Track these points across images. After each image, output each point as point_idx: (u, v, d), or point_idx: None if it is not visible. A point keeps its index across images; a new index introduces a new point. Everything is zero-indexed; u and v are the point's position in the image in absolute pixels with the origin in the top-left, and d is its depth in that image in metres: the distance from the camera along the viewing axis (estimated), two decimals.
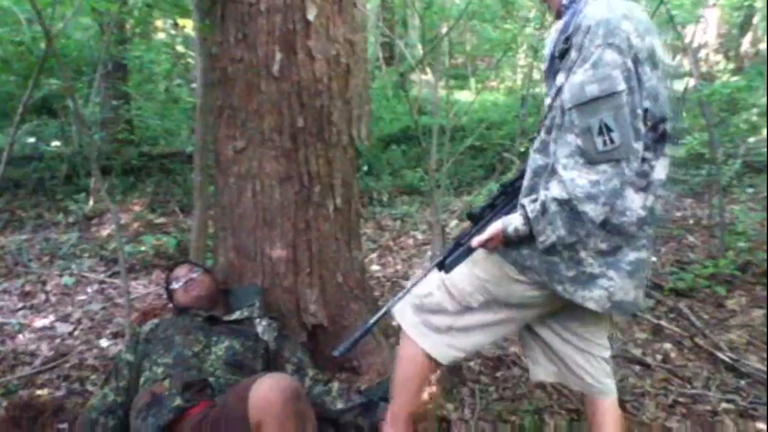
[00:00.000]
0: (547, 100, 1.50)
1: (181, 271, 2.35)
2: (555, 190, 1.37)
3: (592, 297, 1.47)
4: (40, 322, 3.33)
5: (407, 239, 4.90)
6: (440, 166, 4.21)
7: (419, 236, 4.95)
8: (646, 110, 1.37)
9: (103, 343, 3.05)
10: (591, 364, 1.69)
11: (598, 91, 1.32)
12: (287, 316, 2.46)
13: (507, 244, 1.51)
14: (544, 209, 1.40)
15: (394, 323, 1.77)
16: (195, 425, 1.69)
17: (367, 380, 2.36)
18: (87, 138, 5.25)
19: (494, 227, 1.50)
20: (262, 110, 2.41)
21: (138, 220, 5.17)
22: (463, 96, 9.81)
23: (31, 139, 6.27)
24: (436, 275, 1.66)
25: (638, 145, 1.35)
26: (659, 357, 2.77)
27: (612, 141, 1.32)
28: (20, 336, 3.16)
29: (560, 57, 1.44)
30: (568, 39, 1.40)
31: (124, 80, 6.90)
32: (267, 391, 1.58)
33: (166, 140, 7.39)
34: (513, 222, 1.47)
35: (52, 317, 3.41)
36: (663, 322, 3.08)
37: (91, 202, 5.46)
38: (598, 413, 1.71)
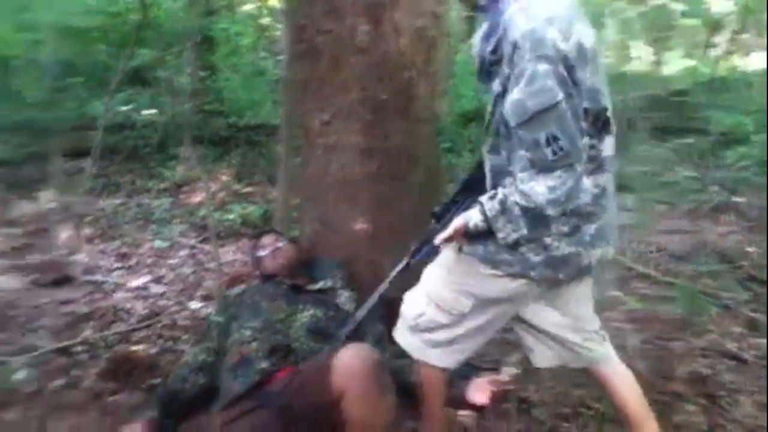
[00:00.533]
0: (489, 106, 1.53)
1: (268, 240, 2.42)
2: (517, 198, 1.43)
3: (565, 273, 1.56)
4: (135, 282, 3.53)
5: None
6: None
7: None
8: (586, 110, 1.42)
9: (194, 305, 3.21)
10: (582, 336, 1.72)
11: (538, 106, 1.35)
12: (368, 288, 2.48)
13: (470, 238, 1.57)
14: (503, 208, 1.46)
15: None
16: (281, 390, 1.75)
17: None
18: (179, 108, 5.46)
19: (456, 223, 1.56)
20: (348, 84, 2.41)
21: (225, 190, 5.36)
22: None
23: (125, 108, 6.59)
24: (422, 294, 1.71)
25: (584, 140, 1.42)
26: (755, 353, 2.60)
27: (561, 149, 1.37)
28: (117, 294, 3.37)
29: (491, 65, 1.48)
30: (495, 50, 1.44)
31: (211, 52, 7.10)
32: (350, 359, 1.61)
33: (252, 112, 7.57)
34: (473, 218, 1.52)
35: (146, 278, 3.61)
36: (760, 316, 2.88)
37: (180, 170, 5.71)
38: (604, 377, 1.76)
